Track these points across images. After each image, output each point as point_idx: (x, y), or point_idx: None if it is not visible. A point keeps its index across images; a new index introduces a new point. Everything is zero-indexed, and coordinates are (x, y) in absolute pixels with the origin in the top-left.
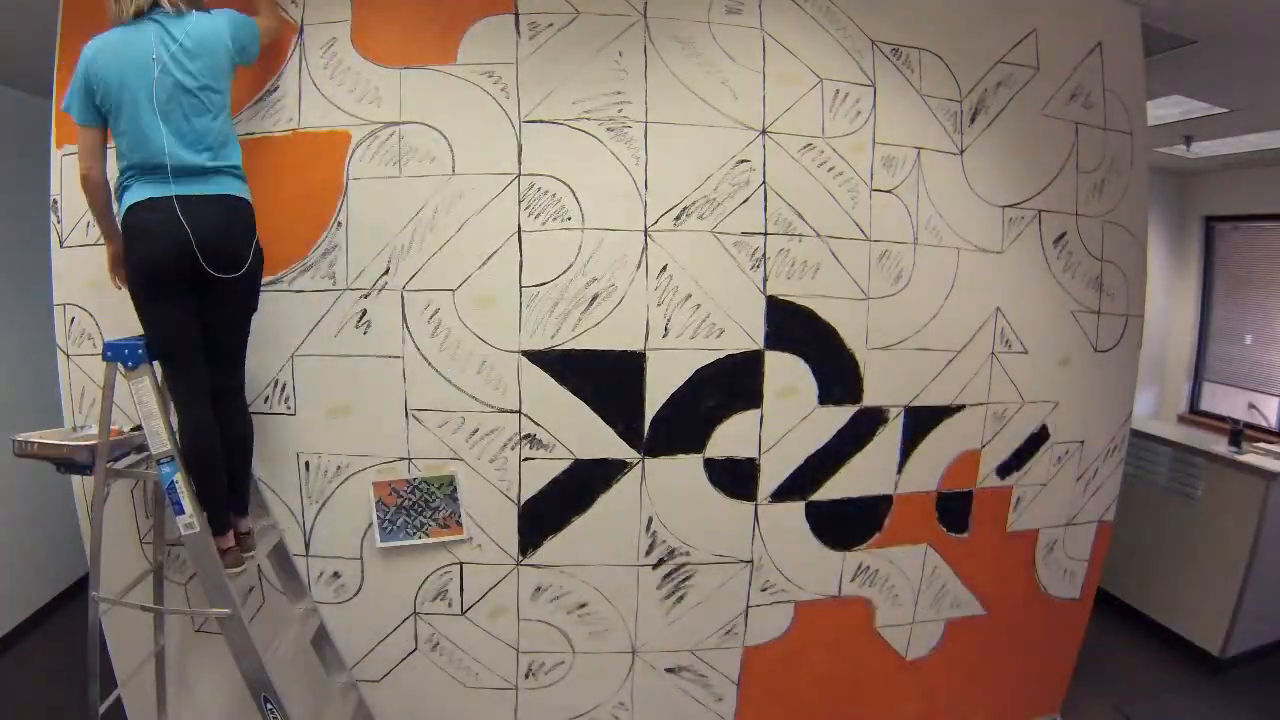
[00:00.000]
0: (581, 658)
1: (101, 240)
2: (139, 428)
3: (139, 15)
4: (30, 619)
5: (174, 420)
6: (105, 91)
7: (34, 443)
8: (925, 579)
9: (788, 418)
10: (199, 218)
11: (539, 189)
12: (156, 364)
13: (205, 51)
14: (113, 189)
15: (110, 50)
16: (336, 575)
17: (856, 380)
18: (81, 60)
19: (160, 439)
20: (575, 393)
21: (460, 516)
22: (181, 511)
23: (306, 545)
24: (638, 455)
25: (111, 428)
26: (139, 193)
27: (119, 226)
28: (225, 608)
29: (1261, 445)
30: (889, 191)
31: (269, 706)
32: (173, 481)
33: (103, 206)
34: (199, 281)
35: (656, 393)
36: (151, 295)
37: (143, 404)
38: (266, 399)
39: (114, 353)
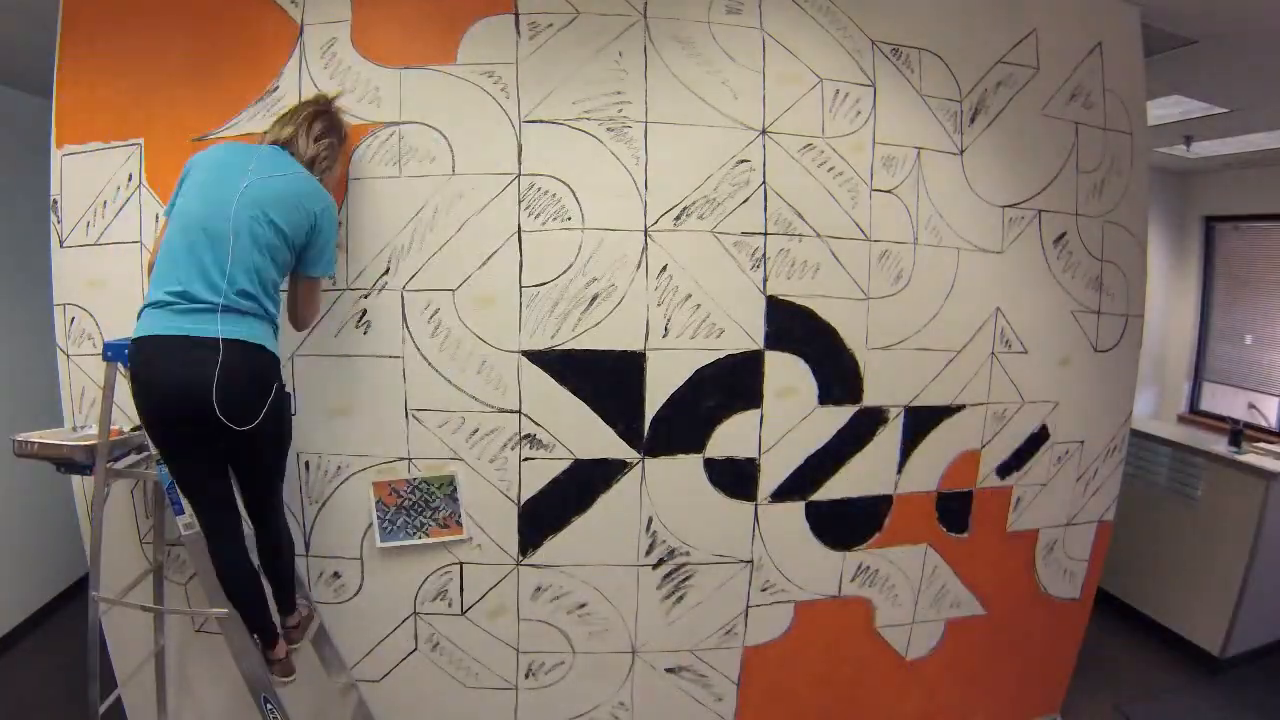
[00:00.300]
0: (581, 658)
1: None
2: (139, 428)
3: (273, 144)
4: (30, 619)
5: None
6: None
7: (34, 443)
8: (925, 579)
9: (788, 418)
10: (209, 367)
11: (539, 189)
12: None
13: (292, 206)
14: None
15: (217, 152)
16: (336, 575)
17: (856, 380)
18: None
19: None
20: (575, 393)
21: (460, 516)
22: (181, 511)
23: (307, 545)
24: (638, 455)
25: (111, 428)
26: (148, 324)
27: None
28: (224, 607)
29: (1261, 445)
30: (889, 191)
31: (269, 706)
32: (171, 481)
33: None
34: (221, 432)
35: (656, 393)
36: (161, 440)
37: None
38: None
39: (114, 353)
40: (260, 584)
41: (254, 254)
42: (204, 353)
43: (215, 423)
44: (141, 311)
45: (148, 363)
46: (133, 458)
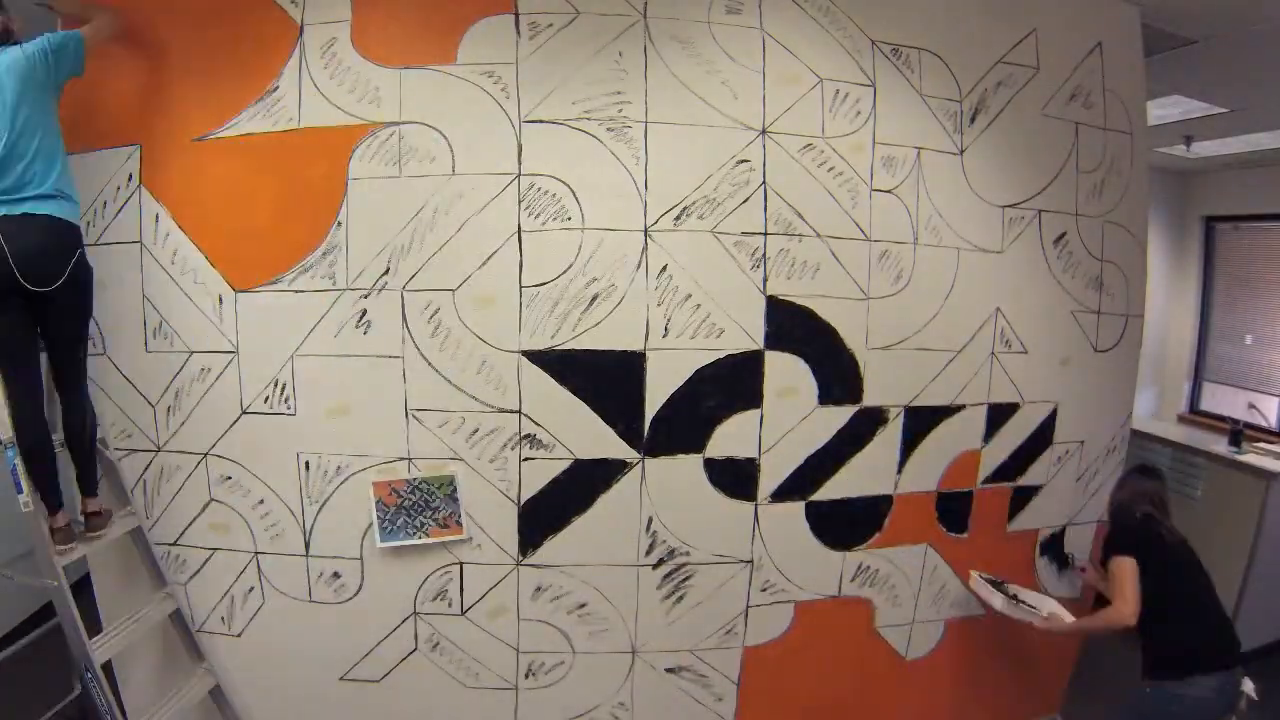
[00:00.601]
0: (581, 657)
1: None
2: None
3: None
4: (30, 619)
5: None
6: None
7: None
8: (925, 579)
9: (788, 418)
10: (12, 236)
11: (539, 189)
12: None
13: (25, 76)
14: None
15: None
16: (337, 575)
17: (856, 380)
18: None
19: (3, 427)
20: (575, 393)
21: (460, 517)
22: (20, 491)
23: (307, 545)
24: (638, 455)
25: None
26: None
27: None
28: (52, 580)
29: (1261, 445)
30: (889, 191)
31: (89, 676)
32: (14, 465)
33: None
34: (26, 296)
35: (656, 393)
36: None
37: None
38: (267, 399)
39: None
40: (48, 452)
41: (32, 147)
42: (13, 226)
43: (25, 290)
44: None
45: None
46: None
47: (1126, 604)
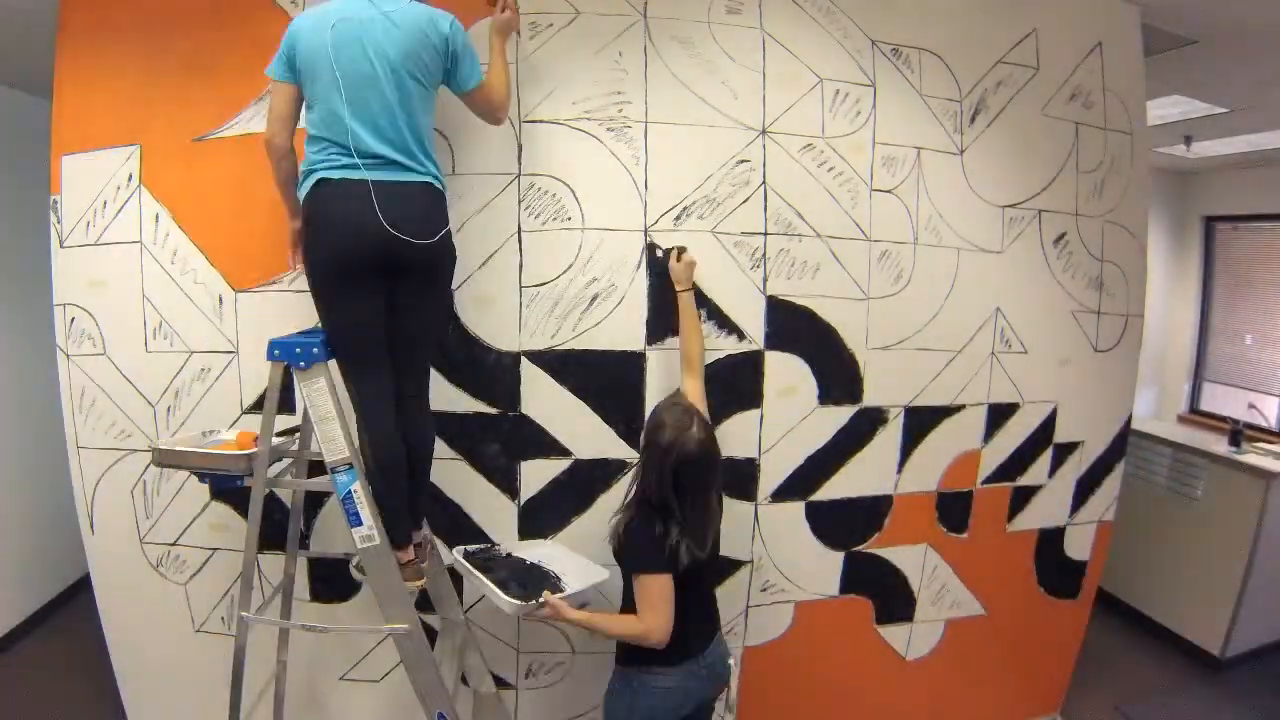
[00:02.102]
0: (581, 657)
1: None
2: (285, 433)
3: None
4: (30, 619)
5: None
6: (305, 53)
7: (184, 452)
8: (925, 579)
9: (788, 418)
10: (391, 205)
11: (539, 189)
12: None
13: (414, 37)
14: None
15: (318, 14)
16: (336, 575)
17: (856, 380)
18: (293, 23)
19: (337, 445)
20: (575, 393)
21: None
22: (359, 523)
23: (307, 545)
24: (638, 455)
25: (242, 432)
26: (328, 172)
27: (301, 206)
28: (404, 623)
29: (1261, 445)
30: (889, 191)
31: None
32: (350, 491)
33: (285, 178)
34: (388, 275)
35: (657, 393)
36: (338, 288)
37: (316, 407)
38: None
39: (283, 352)
40: (404, 465)
41: (393, 108)
42: (392, 194)
43: (393, 267)
44: (314, 163)
45: (334, 205)
46: (278, 465)
47: (661, 623)
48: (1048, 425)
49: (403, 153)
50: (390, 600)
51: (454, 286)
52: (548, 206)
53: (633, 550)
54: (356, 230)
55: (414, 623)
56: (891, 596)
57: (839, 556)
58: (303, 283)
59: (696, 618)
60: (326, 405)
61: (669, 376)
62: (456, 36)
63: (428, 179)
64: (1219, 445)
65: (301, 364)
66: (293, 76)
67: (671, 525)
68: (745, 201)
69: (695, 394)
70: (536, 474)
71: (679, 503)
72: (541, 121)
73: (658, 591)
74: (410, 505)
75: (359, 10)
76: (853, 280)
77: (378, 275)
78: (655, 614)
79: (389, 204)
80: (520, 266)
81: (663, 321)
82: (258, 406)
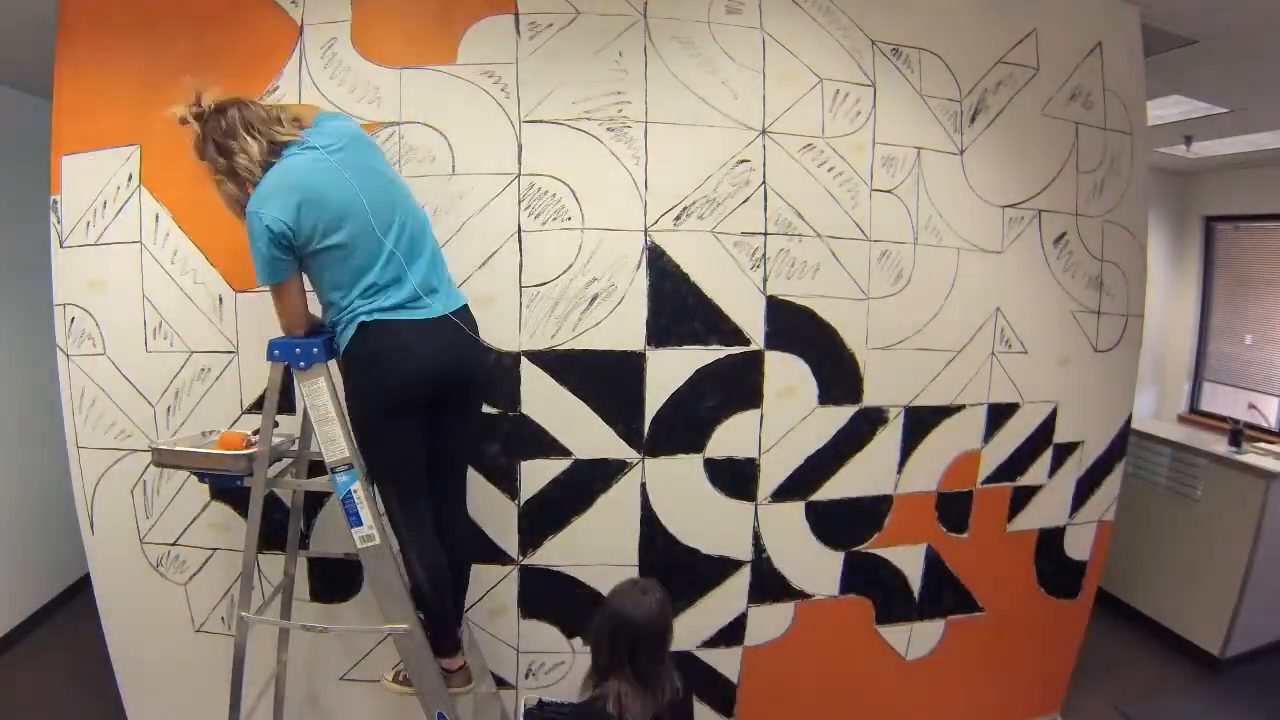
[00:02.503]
0: (582, 658)
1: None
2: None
3: (275, 153)
4: (30, 619)
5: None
6: (315, 209)
7: (184, 452)
8: (925, 579)
9: (788, 418)
10: (441, 336)
11: (539, 189)
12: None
13: (359, 143)
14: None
15: (294, 178)
16: (337, 576)
17: (856, 380)
18: (260, 217)
19: (337, 445)
20: (575, 393)
21: None
22: (359, 523)
23: (307, 545)
24: (638, 455)
25: (233, 432)
26: (385, 315)
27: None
28: (404, 623)
29: (1261, 445)
30: (889, 191)
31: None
32: (350, 491)
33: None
34: (434, 404)
35: (656, 393)
36: (392, 423)
37: (316, 407)
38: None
39: (283, 352)
40: (448, 576)
41: (408, 220)
42: (440, 324)
43: (442, 396)
44: (355, 309)
45: (390, 344)
46: (278, 465)
47: None
48: (1048, 425)
49: (442, 278)
50: (390, 600)
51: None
52: (548, 206)
53: None
54: (428, 366)
55: (414, 622)
56: (891, 596)
57: (839, 556)
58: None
59: None
60: (326, 405)
61: (669, 376)
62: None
63: (464, 299)
64: (1219, 445)
65: (301, 364)
66: (296, 259)
67: (616, 688)
68: (745, 201)
69: None
70: (536, 474)
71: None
72: (541, 121)
73: None
74: (455, 604)
75: (322, 152)
76: (853, 280)
77: (428, 405)
78: None
79: (456, 334)
80: (520, 266)
81: (663, 321)
82: (258, 406)
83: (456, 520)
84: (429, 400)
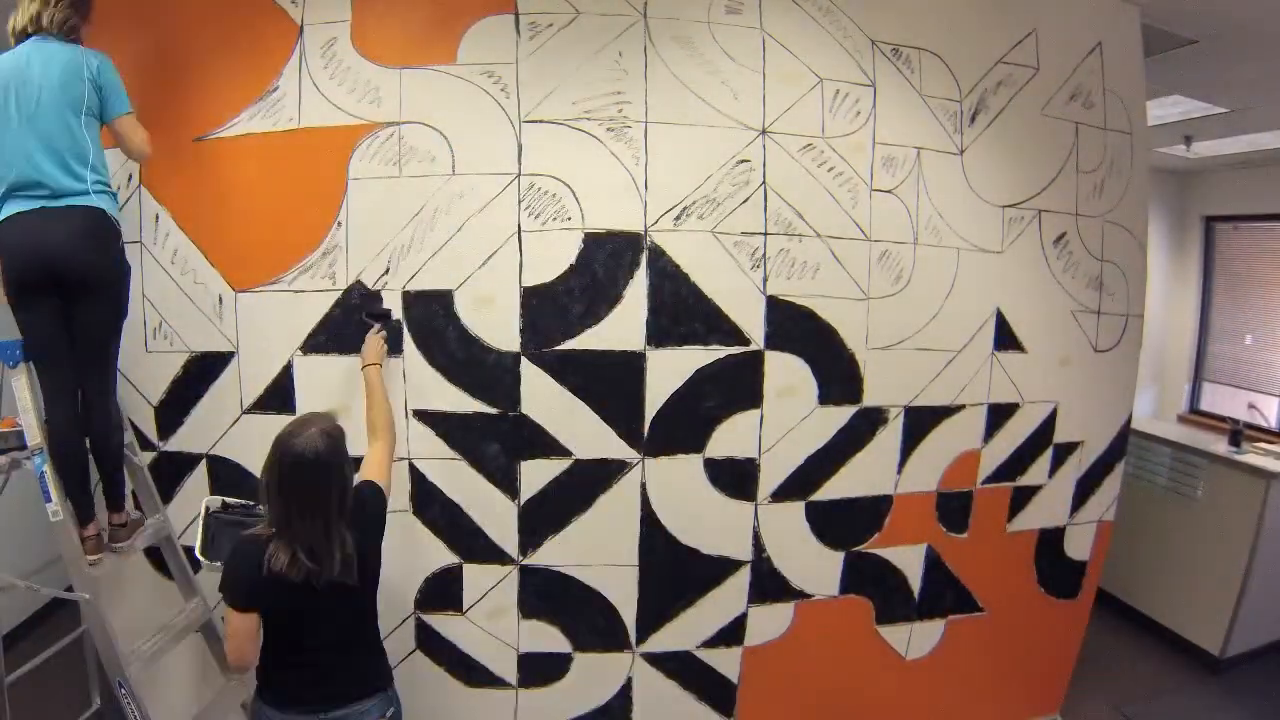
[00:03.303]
0: (582, 658)
1: None
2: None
3: (21, 38)
4: (30, 619)
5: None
6: None
7: None
8: (925, 579)
9: (788, 418)
10: (55, 232)
11: (539, 189)
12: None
13: (70, 78)
14: None
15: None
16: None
17: (856, 380)
18: None
19: (32, 432)
20: (575, 393)
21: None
22: (49, 500)
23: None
24: (638, 455)
25: (5, 418)
26: (7, 209)
27: None
28: (84, 593)
29: (1261, 445)
30: (889, 191)
31: (122, 690)
32: (42, 472)
33: None
34: (63, 291)
35: (656, 393)
36: (19, 303)
37: (19, 399)
38: (267, 399)
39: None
40: (83, 459)
41: (64, 139)
42: (57, 221)
43: (62, 285)
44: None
45: (12, 235)
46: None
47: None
48: (1048, 425)
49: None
50: (74, 570)
51: (453, 287)
52: (548, 206)
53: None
54: (19, 256)
55: (94, 593)
56: (891, 596)
57: (839, 556)
58: (304, 282)
59: (315, 662)
60: (25, 398)
61: (669, 376)
62: (104, 78)
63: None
64: (1219, 445)
65: (9, 364)
66: None
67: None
68: (745, 201)
69: (375, 459)
70: (536, 474)
71: (286, 510)
72: (541, 121)
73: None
74: (107, 490)
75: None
76: (853, 280)
77: (48, 293)
78: (228, 642)
79: (49, 234)
80: (520, 266)
81: (663, 321)
82: (258, 406)
83: (92, 408)
84: (39, 287)
